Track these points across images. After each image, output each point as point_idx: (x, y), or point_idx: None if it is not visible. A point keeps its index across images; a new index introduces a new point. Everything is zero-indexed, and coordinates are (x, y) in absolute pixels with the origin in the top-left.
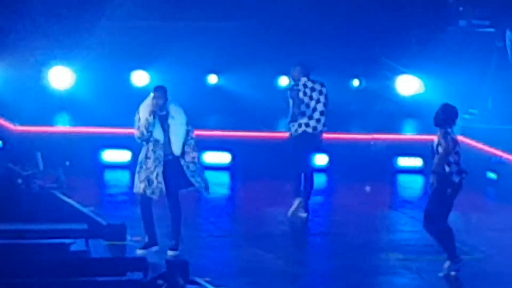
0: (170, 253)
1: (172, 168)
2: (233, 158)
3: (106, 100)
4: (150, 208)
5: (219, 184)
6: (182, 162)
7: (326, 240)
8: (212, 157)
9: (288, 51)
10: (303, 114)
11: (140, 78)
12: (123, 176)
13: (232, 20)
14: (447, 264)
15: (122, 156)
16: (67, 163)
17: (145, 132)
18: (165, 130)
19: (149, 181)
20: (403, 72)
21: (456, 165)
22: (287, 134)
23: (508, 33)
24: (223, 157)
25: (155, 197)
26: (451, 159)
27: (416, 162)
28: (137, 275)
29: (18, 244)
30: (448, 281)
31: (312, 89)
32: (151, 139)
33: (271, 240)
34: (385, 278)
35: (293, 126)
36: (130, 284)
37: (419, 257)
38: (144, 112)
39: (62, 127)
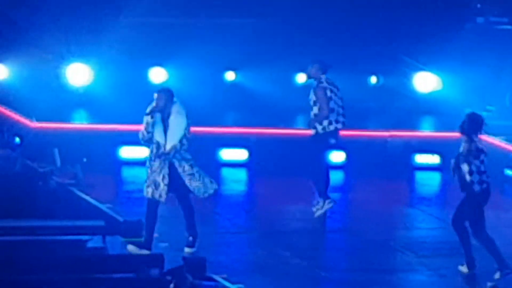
0: (187, 250)
1: (175, 170)
2: (250, 155)
3: (123, 97)
4: (156, 213)
5: (236, 180)
6: (176, 163)
7: (343, 237)
8: (230, 154)
9: (306, 48)
10: (332, 111)
11: (158, 75)
12: (140, 173)
13: (250, 17)
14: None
15: (139, 152)
16: (85, 159)
17: (145, 133)
18: (165, 131)
19: (155, 184)
20: (421, 69)
21: (478, 174)
22: (309, 132)
23: None
24: (240, 154)
25: (162, 199)
26: (473, 168)
27: (433, 159)
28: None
29: (35, 240)
30: (464, 278)
31: (333, 86)
32: (154, 141)
33: (288, 237)
34: (402, 275)
35: (320, 123)
36: (138, 280)
37: (436, 254)
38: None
39: (79, 124)
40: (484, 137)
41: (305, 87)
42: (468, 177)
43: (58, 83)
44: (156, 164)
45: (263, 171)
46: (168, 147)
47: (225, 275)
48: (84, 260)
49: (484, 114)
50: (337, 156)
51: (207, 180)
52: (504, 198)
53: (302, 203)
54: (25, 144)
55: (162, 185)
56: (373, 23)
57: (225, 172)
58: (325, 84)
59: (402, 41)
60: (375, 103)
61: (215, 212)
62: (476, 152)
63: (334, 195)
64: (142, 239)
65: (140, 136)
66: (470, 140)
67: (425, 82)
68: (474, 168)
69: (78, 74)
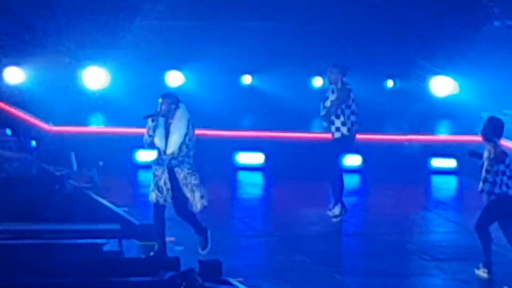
0: (201, 251)
1: (175, 178)
2: (267, 158)
3: (140, 100)
4: (162, 217)
5: (253, 184)
6: (176, 169)
7: (359, 240)
8: (246, 158)
9: (322, 51)
10: (353, 112)
11: (174, 78)
12: None
13: (266, 21)
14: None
15: (156, 156)
16: (101, 163)
17: (146, 137)
18: (167, 137)
19: (159, 189)
20: (438, 73)
21: (502, 175)
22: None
23: None
24: (257, 158)
25: (168, 204)
26: (498, 169)
27: (450, 163)
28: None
29: (52, 244)
30: (480, 282)
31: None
32: (156, 146)
33: (304, 241)
34: (418, 279)
35: (344, 125)
36: (148, 283)
37: (452, 258)
38: None
39: (96, 127)
40: (503, 141)
41: (321, 91)
42: (490, 178)
43: (74, 87)
44: (160, 169)
45: (279, 174)
46: (168, 152)
47: (241, 279)
48: (100, 263)
49: (500, 118)
50: (353, 160)
51: (197, 194)
52: None
53: (318, 207)
54: (42, 148)
55: (165, 189)
56: (390, 26)
57: (242, 175)
58: (349, 86)
59: (418, 45)
60: (391, 107)
61: (232, 216)
62: (502, 156)
63: (351, 199)
64: (156, 245)
65: (144, 139)
66: (495, 145)
67: (442, 86)
68: (498, 169)
69: (95, 77)
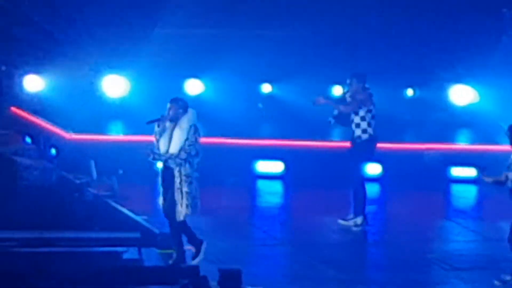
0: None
1: (168, 180)
2: (286, 167)
3: (159, 109)
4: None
5: (272, 193)
6: (174, 173)
7: (379, 249)
8: (265, 166)
9: (342, 60)
10: (374, 117)
11: (193, 86)
12: None
13: (286, 29)
14: None
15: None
16: (121, 171)
17: (154, 142)
18: (169, 142)
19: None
20: (458, 82)
21: None
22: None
23: None
24: (276, 166)
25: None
26: None
27: (469, 172)
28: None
29: (71, 252)
30: None
31: None
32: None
33: (324, 249)
34: None
35: (365, 132)
36: None
37: (472, 267)
38: None
39: (115, 135)
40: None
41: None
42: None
43: (94, 95)
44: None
45: (299, 183)
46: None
47: (261, 287)
48: (120, 271)
49: None
50: (373, 169)
51: (184, 202)
52: None
53: (338, 215)
54: (62, 156)
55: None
56: (410, 35)
57: (261, 184)
58: (370, 91)
59: (438, 54)
60: (411, 116)
61: (251, 224)
62: None
63: (370, 208)
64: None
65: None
66: None
67: (462, 94)
68: None
69: (114, 85)
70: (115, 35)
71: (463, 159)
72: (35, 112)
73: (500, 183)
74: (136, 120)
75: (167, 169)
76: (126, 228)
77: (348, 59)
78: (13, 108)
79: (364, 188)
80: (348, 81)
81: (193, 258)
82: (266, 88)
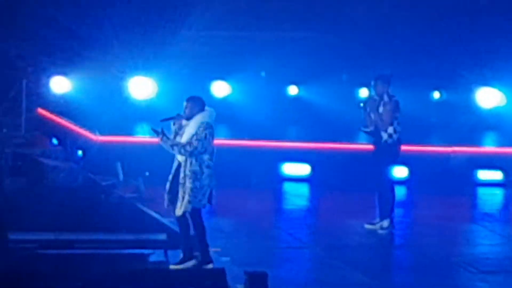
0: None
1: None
2: (313, 169)
3: None
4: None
5: (299, 195)
6: (183, 164)
7: (404, 252)
8: (292, 169)
9: (368, 62)
10: (399, 123)
11: (220, 88)
12: None
13: (313, 31)
14: None
15: None
16: (147, 173)
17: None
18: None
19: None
20: (484, 84)
21: None
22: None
23: None
24: (303, 169)
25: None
26: None
27: (496, 175)
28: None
29: (97, 254)
30: None
31: None
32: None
33: (350, 252)
34: None
35: (390, 136)
36: None
37: (498, 270)
38: None
39: (142, 137)
40: None
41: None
42: None
43: (121, 96)
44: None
45: (326, 185)
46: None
47: None
48: (146, 274)
49: None
50: (400, 172)
51: (186, 198)
52: None
53: (364, 218)
54: (88, 158)
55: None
56: (436, 38)
57: (287, 186)
58: (396, 98)
59: (465, 56)
60: (437, 119)
61: (277, 227)
62: None
63: (397, 211)
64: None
65: None
66: None
67: (488, 97)
68: None
69: (141, 87)
70: (142, 37)
71: (489, 162)
72: (61, 114)
73: None
74: (163, 122)
75: (179, 166)
76: (152, 230)
77: (375, 62)
78: (40, 110)
79: (393, 192)
80: (372, 83)
81: (176, 263)
82: (293, 90)
